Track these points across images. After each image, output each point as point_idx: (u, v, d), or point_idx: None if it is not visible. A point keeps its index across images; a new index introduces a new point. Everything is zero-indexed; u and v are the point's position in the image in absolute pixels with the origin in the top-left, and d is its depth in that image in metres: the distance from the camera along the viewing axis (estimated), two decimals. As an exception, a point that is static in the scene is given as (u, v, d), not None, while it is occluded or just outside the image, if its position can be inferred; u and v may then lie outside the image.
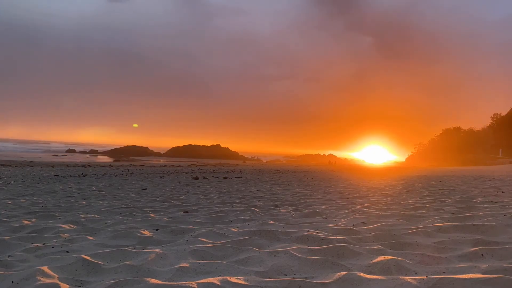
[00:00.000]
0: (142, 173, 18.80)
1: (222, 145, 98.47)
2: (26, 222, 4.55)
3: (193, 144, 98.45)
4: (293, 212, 5.26)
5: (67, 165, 28.90)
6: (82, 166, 28.37)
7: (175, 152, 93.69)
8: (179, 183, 12.39)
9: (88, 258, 2.75)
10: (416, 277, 2.23)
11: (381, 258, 2.66)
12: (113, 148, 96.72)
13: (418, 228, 3.73)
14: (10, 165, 26.86)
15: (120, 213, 5.47)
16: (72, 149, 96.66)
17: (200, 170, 24.41)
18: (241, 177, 16.13)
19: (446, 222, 4.01)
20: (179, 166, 33.05)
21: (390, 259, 2.59)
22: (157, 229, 4.10)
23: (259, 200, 7.02)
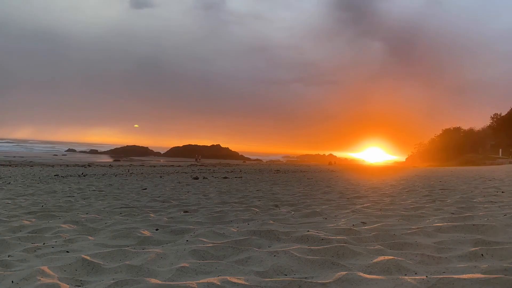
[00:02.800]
0: (142, 173, 18.80)
1: (222, 145, 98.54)
2: (26, 222, 4.55)
3: (193, 144, 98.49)
4: (293, 212, 5.26)
5: (67, 165, 28.89)
6: (82, 166, 28.36)
7: (175, 152, 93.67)
8: (179, 183, 12.39)
9: (88, 258, 2.75)
10: (416, 277, 2.23)
11: (381, 258, 2.66)
12: (113, 148, 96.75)
13: (418, 228, 3.73)
14: (10, 165, 26.85)
15: (120, 213, 5.47)
16: (72, 149, 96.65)
17: (200, 170, 24.40)
18: (241, 177, 16.12)
19: (446, 222, 4.01)
20: (179, 166, 33.03)
21: (390, 259, 2.59)
22: (157, 229, 4.10)
23: (259, 200, 7.01)
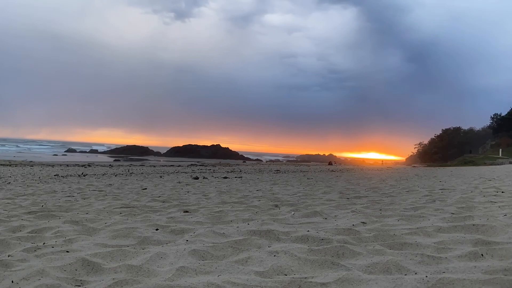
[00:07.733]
0: (142, 173, 18.79)
1: (222, 145, 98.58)
2: (26, 222, 4.55)
3: (193, 144, 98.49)
4: (293, 212, 5.26)
5: (67, 165, 28.88)
6: (82, 166, 28.37)
7: (175, 152, 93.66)
8: (179, 183, 12.39)
9: (88, 258, 2.75)
10: (416, 277, 2.23)
11: (381, 258, 2.66)
12: (113, 148, 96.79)
13: (418, 228, 3.73)
14: (10, 165, 26.85)
15: (120, 213, 5.47)
16: (72, 148, 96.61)
17: (200, 170, 24.40)
18: (241, 177, 16.12)
19: (446, 222, 4.01)
20: (179, 166, 33.02)
21: (390, 259, 2.59)
22: (157, 229, 4.10)
23: (259, 200, 7.01)
